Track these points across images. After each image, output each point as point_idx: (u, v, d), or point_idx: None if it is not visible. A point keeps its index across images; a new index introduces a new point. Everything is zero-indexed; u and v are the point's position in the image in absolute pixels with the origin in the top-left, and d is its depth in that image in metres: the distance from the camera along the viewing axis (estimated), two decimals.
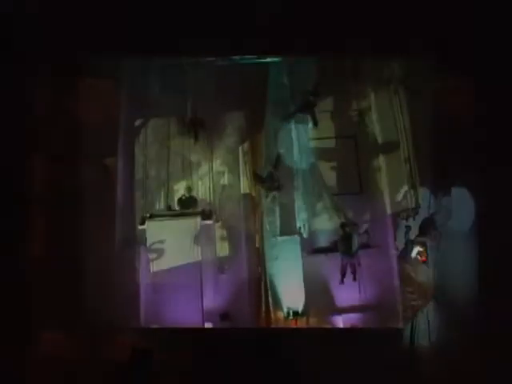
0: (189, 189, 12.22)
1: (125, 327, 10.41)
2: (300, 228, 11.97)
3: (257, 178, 12.08)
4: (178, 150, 12.59)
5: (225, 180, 12.72)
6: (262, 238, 12.14)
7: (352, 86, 12.64)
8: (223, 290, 11.80)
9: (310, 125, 12.43)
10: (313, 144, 12.58)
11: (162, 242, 11.38)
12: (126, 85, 12.16)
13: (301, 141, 12.30)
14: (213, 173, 12.46)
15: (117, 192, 11.91)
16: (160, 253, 11.38)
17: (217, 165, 12.72)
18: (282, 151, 12.05)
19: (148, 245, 11.44)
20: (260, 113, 12.39)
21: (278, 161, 11.76)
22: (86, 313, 10.02)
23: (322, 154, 12.46)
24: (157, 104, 12.54)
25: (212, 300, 11.59)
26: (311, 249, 11.85)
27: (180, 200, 12.13)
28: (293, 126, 12.28)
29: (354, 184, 12.37)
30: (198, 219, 11.51)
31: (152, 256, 11.42)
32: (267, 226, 12.07)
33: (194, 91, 12.20)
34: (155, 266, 11.44)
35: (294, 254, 11.74)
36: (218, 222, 12.19)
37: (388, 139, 12.28)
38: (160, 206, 12.44)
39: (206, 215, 11.67)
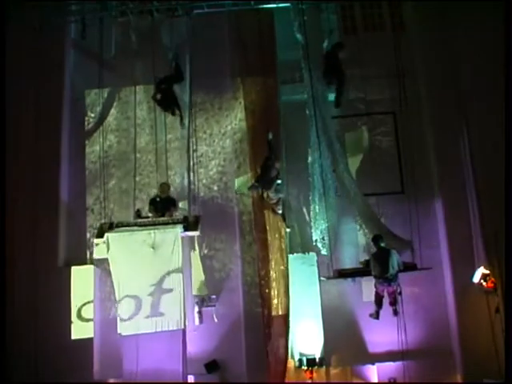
0: (164, 187, 9.94)
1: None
2: (318, 242, 10.26)
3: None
4: (148, 130, 10.83)
5: (213, 171, 10.86)
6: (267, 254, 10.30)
7: None
8: (210, 328, 10.09)
9: (333, 97, 10.48)
10: (336, 125, 10.82)
11: (127, 261, 9.15)
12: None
13: (320, 120, 10.27)
14: (194, 161, 10.37)
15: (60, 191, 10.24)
16: (124, 277, 9.15)
17: (202, 151, 10.87)
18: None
19: (109, 266, 9.17)
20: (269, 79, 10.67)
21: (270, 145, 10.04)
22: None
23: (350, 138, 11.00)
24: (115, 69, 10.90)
25: (194, 343, 9.77)
26: (333, 271, 10.08)
27: (153, 202, 9.82)
28: (310, 99, 10.31)
29: (393, 181, 10.67)
30: (179, 230, 9.22)
31: (113, 282, 9.23)
32: None
33: (171, 47, 10.41)
34: (117, 296, 9.24)
35: (309, 277, 10.17)
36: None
37: None
38: (127, 211, 10.25)
39: (189, 224, 9.36)
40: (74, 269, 10.03)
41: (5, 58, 9.47)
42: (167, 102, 10.34)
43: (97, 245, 9.11)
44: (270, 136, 9.90)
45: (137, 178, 10.30)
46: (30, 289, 9.33)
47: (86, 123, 11.13)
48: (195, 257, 10.03)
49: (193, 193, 10.08)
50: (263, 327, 10.01)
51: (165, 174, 10.28)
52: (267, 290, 10.06)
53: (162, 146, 10.57)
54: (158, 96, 10.24)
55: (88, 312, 9.82)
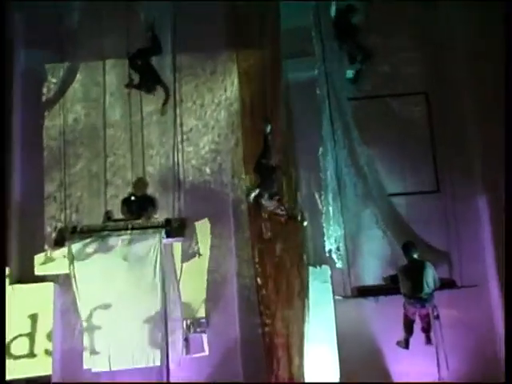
0: (140, 183, 9.22)
1: None
2: (332, 253, 9.54)
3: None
4: (123, 100, 9.62)
5: (205, 149, 9.81)
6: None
7: None
8: (200, 360, 9.04)
9: (350, 74, 9.61)
10: (355, 107, 9.87)
11: (98, 277, 8.37)
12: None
13: (334, 101, 9.53)
14: (180, 138, 9.54)
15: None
16: (93, 297, 8.37)
17: (191, 125, 9.86)
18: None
19: (74, 284, 8.30)
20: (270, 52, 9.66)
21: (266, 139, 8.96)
22: None
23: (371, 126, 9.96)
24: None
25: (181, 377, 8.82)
26: (351, 288, 9.39)
27: (127, 202, 9.03)
28: (322, 75, 9.50)
29: (426, 178, 9.77)
30: (159, 236, 8.64)
31: (79, 302, 8.37)
32: None
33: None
34: (84, 319, 8.41)
35: (321, 296, 9.24)
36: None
37: None
38: (97, 200, 9.47)
39: (174, 229, 8.76)
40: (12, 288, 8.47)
41: None
42: (147, 81, 9.14)
43: (49, 260, 8.05)
44: (269, 129, 8.75)
45: (109, 159, 9.45)
46: None
47: (45, 91, 9.69)
48: (198, 269, 8.95)
49: (179, 177, 9.18)
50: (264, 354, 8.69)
51: (142, 153, 9.21)
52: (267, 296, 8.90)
53: (139, 119, 9.40)
54: (136, 80, 9.11)
55: (19, 348, 8.32)
